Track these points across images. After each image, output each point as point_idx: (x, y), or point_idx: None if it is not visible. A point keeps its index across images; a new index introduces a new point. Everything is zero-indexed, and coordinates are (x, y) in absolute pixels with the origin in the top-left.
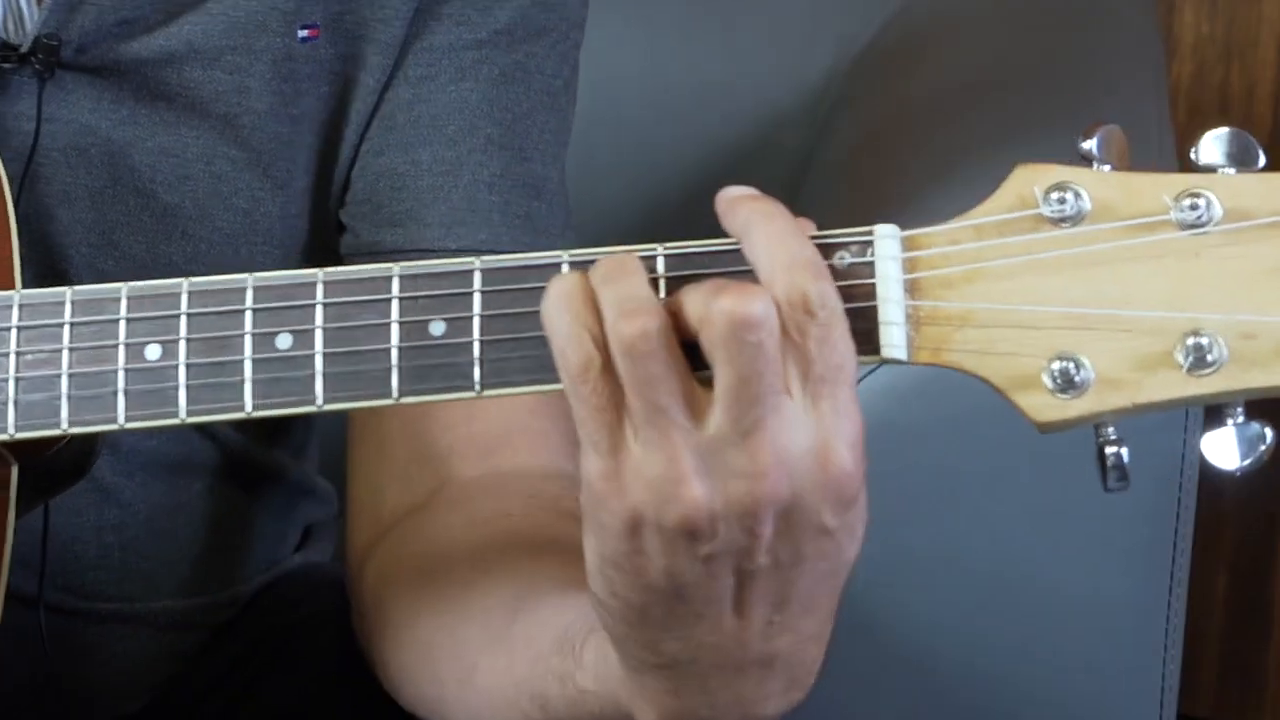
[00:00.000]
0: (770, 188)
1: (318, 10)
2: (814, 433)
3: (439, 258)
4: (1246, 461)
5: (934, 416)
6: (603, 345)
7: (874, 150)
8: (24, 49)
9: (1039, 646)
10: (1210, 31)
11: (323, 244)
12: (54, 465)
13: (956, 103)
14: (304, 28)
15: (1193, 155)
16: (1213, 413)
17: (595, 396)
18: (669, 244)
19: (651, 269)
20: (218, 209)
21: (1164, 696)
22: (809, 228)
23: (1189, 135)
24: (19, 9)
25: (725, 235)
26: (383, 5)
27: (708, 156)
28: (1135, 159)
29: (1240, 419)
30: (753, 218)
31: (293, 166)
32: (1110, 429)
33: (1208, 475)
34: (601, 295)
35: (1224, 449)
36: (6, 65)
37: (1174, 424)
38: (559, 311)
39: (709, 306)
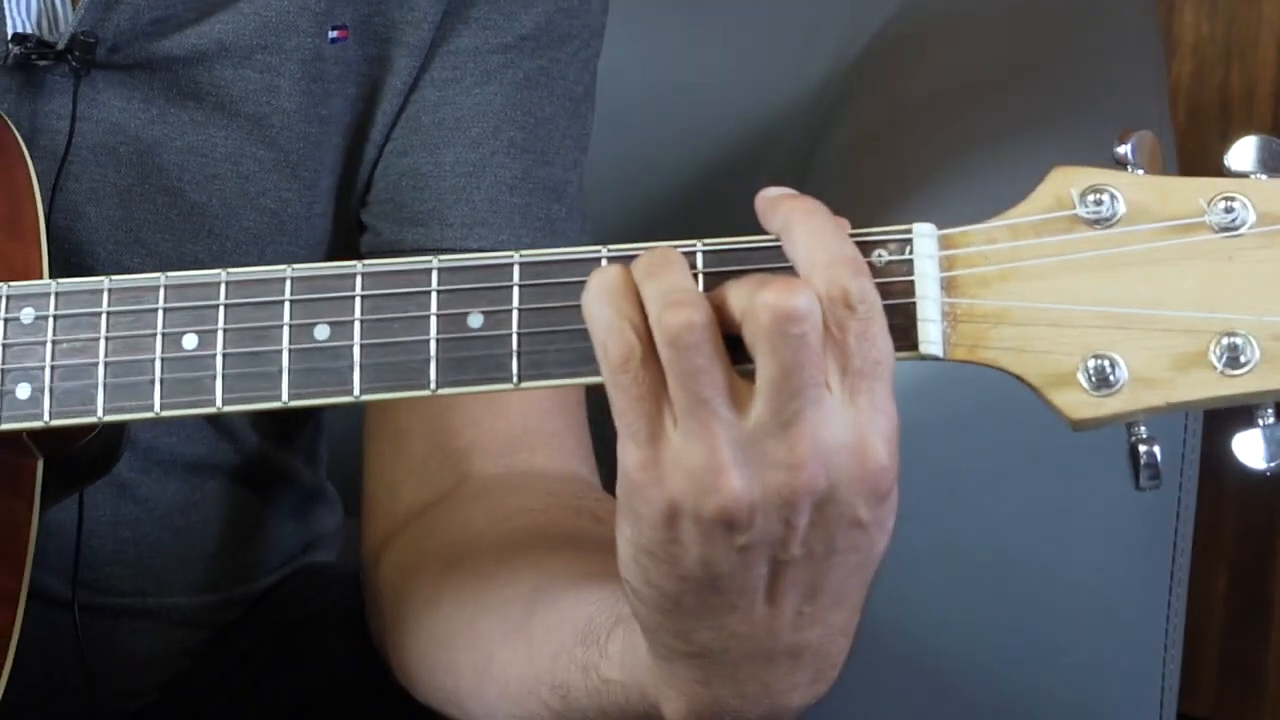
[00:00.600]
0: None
1: (347, 12)
2: (851, 427)
3: None
4: (1275, 462)
5: (934, 416)
6: (644, 336)
7: (874, 150)
8: (60, 47)
9: (1039, 646)
10: (1210, 31)
11: (346, 244)
12: (79, 459)
13: (956, 103)
14: (334, 29)
15: (1225, 162)
16: (1243, 414)
17: (635, 387)
18: (708, 240)
19: (691, 264)
20: (245, 209)
21: (1164, 696)
22: (846, 226)
23: (1189, 135)
24: (53, 7)
25: (747, 233)
26: (411, 8)
27: (708, 156)
28: None
29: (1270, 420)
30: (793, 215)
31: (320, 167)
32: (1142, 428)
33: (1208, 475)
34: (645, 288)
35: (1253, 449)
36: (42, 63)
37: (1174, 424)
38: (601, 303)
39: (753, 299)
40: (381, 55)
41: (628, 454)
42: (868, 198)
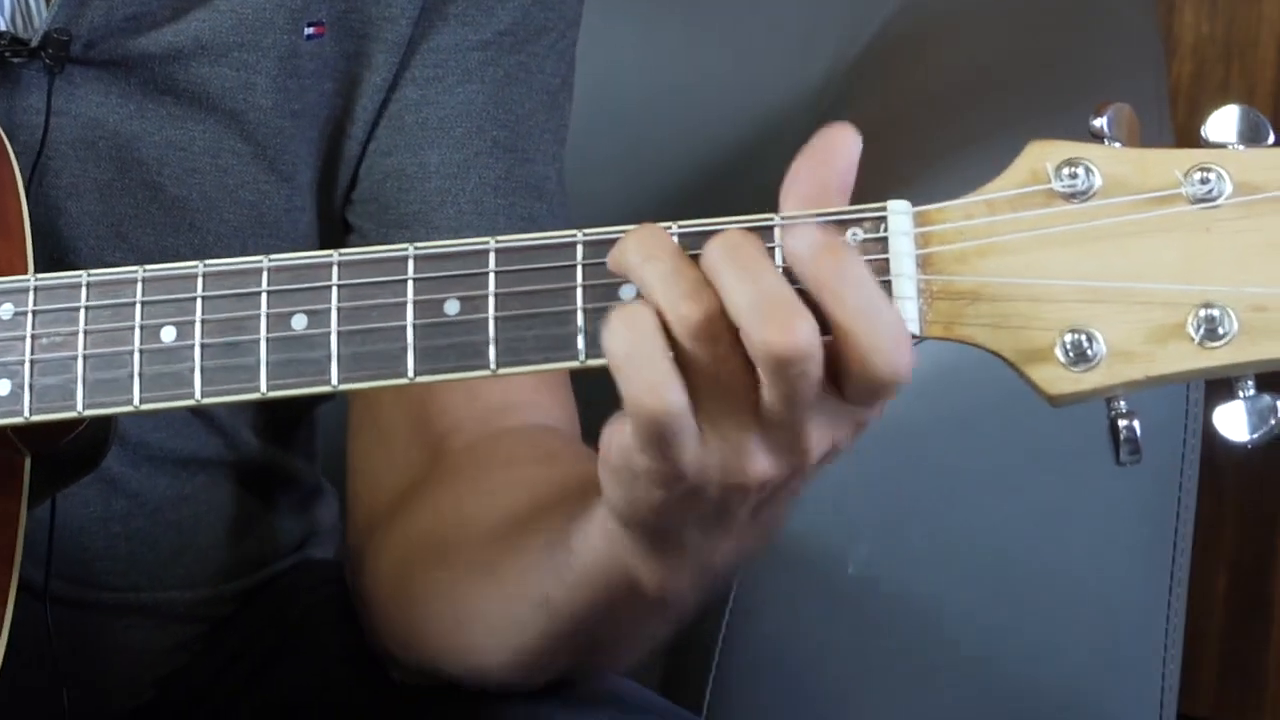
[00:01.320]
0: (770, 188)
1: (324, 8)
2: (851, 417)
3: None
4: (1256, 434)
5: (934, 416)
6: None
7: (873, 150)
8: (34, 44)
9: (1038, 646)
10: (1210, 31)
11: (331, 242)
12: (66, 455)
13: (956, 102)
14: (310, 25)
15: (1203, 133)
16: (1223, 386)
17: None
18: (683, 222)
19: None
20: (225, 202)
21: (1164, 696)
22: (830, 197)
23: (1189, 135)
24: (27, 4)
25: None
26: (389, 4)
27: (708, 156)
28: None
29: (1251, 392)
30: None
31: (297, 160)
32: (1122, 402)
33: (1208, 475)
34: (733, 295)
35: (1234, 422)
36: (16, 60)
37: (1174, 424)
38: (627, 342)
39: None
40: (359, 51)
41: (637, 460)
42: (867, 198)
